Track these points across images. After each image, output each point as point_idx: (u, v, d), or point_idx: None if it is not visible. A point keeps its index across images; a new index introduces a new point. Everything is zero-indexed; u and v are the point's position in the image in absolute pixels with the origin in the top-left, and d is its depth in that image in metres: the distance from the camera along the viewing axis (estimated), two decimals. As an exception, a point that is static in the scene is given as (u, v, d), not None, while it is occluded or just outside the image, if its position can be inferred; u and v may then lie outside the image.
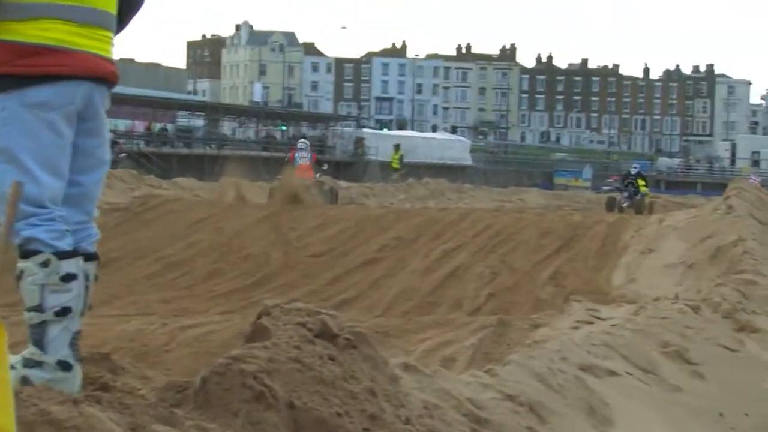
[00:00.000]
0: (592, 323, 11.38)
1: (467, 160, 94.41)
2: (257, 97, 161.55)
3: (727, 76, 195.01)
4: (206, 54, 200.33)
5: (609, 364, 7.83)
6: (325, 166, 40.61)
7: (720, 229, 22.35)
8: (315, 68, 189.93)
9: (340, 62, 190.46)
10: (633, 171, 46.80)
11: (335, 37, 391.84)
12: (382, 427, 4.17)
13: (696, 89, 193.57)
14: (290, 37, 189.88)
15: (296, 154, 35.21)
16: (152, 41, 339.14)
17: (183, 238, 24.21)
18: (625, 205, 42.79)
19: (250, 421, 3.88)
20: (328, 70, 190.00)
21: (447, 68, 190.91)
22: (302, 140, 38.85)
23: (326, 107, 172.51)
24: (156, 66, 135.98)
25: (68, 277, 4.64)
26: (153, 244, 23.70)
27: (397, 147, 57.17)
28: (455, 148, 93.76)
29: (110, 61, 4.96)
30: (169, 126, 73.56)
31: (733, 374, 9.30)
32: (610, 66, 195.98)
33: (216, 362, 4.09)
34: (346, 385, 4.26)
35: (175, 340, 13.32)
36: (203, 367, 4.21)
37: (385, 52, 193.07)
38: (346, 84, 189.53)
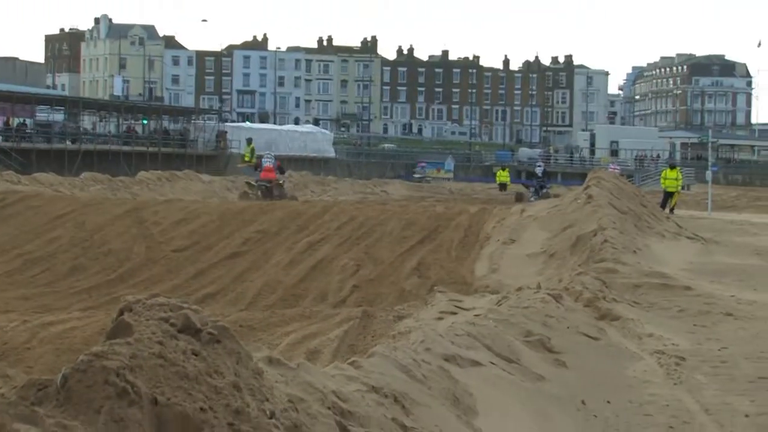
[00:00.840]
0: (455, 314, 11.47)
1: (330, 153, 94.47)
2: (117, 91, 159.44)
3: (586, 67, 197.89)
4: (65, 48, 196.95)
5: (472, 354, 7.89)
6: (287, 173, 45.88)
7: (580, 219, 22.70)
8: (176, 61, 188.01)
9: (201, 55, 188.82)
10: (539, 171, 49.52)
11: (196, 30, 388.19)
12: (246, 421, 4.14)
13: (555, 80, 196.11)
14: (150, 30, 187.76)
15: (263, 160, 40.38)
16: (9, 35, 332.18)
17: (43, 233, 23.83)
18: (532, 199, 44.04)
19: (113, 418, 3.82)
20: (189, 63, 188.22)
21: (309, 61, 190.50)
22: (268, 153, 44.25)
23: (188, 101, 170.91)
24: (13, 60, 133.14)
25: None
26: (12, 240, 23.30)
27: (249, 140, 57.21)
28: (318, 141, 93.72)
29: None
30: (29, 121, 72.18)
31: (595, 362, 9.46)
32: (471, 58, 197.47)
33: (78, 359, 4.02)
34: (209, 380, 4.22)
35: (36, 337, 13.09)
36: (65, 364, 4.13)
37: (246, 45, 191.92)
38: (208, 77, 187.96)
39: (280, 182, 39.72)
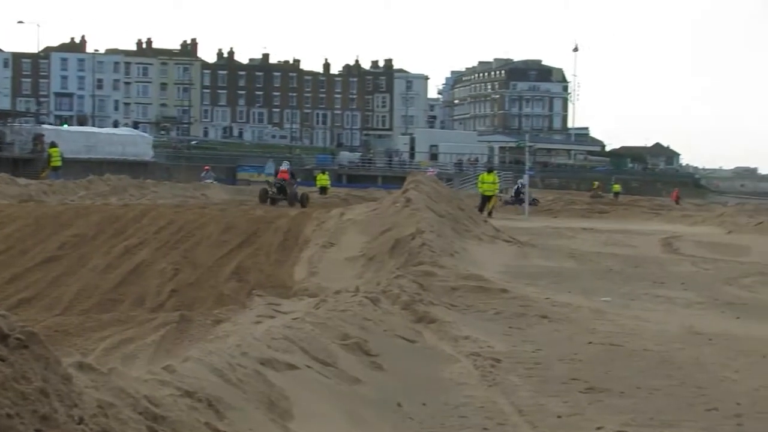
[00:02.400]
0: (273, 317, 11.43)
1: (149, 156, 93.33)
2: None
3: (406, 71, 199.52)
4: None
5: (289, 358, 7.89)
6: (299, 179, 54.91)
7: (399, 222, 22.89)
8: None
9: (17, 57, 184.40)
10: (521, 184, 52.47)
11: (12, 32, 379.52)
12: (53, 427, 4.06)
13: (375, 84, 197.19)
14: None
15: (280, 167, 50.23)
16: None
17: None
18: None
19: None
20: (5, 65, 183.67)
21: (128, 63, 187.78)
22: (286, 161, 53.37)
23: (4, 103, 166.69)
24: None
25: None
26: None
27: (52, 144, 56.43)
28: (137, 144, 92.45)
29: None
30: None
31: (412, 365, 9.54)
32: (291, 61, 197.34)
33: None
34: (16, 385, 4.12)
35: None
36: None
37: (63, 47, 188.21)
38: (24, 79, 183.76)
39: (291, 183, 47.01)
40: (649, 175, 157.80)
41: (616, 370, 9.89)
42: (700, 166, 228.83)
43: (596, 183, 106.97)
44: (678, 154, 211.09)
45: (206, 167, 78.72)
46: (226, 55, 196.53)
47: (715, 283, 20.28)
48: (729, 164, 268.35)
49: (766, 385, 9.44)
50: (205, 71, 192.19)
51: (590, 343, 11.51)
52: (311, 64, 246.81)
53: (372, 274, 19.24)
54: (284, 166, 49.94)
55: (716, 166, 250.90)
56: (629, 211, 63.60)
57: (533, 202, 54.49)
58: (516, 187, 60.36)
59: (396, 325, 10.99)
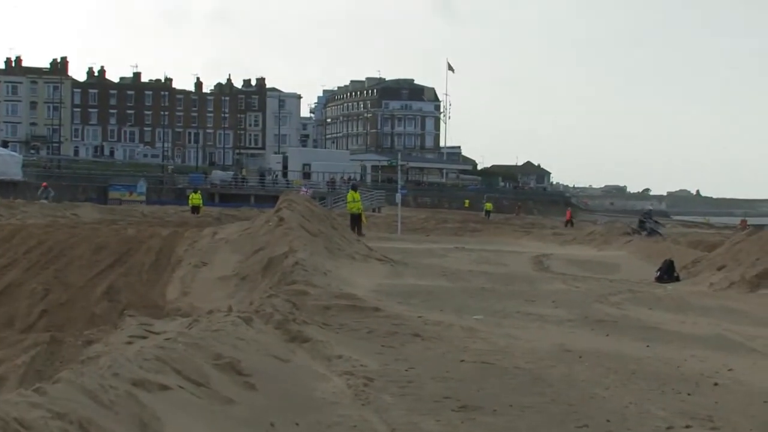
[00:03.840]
0: (145, 338, 11.31)
1: (18, 175, 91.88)
2: None
3: (278, 90, 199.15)
4: None
5: (161, 378, 7.81)
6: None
7: (272, 241, 22.84)
8: None
9: None
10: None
11: None
12: None
13: (248, 103, 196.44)
14: None
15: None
16: None
17: None
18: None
19: None
20: None
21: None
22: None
23: None
24: None
25: None
26: None
27: None
28: (6, 164, 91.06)
29: None
30: None
31: (285, 384, 9.51)
32: (163, 80, 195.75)
33: None
34: None
35: None
36: None
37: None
38: None
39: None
40: (520, 194, 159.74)
41: (488, 388, 9.98)
42: (570, 185, 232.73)
43: (467, 201, 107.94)
44: (548, 173, 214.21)
45: (44, 184, 77.17)
46: (96, 73, 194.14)
47: (585, 301, 20.57)
48: (598, 183, 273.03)
49: (636, 402, 9.60)
50: (76, 90, 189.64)
51: (462, 361, 11.59)
52: (183, 82, 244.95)
53: (245, 294, 19.17)
54: (305, 188, 56.94)
55: (586, 185, 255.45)
56: (501, 229, 64.35)
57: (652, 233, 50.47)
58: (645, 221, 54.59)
59: (269, 345, 10.95)
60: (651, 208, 51.96)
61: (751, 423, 8.91)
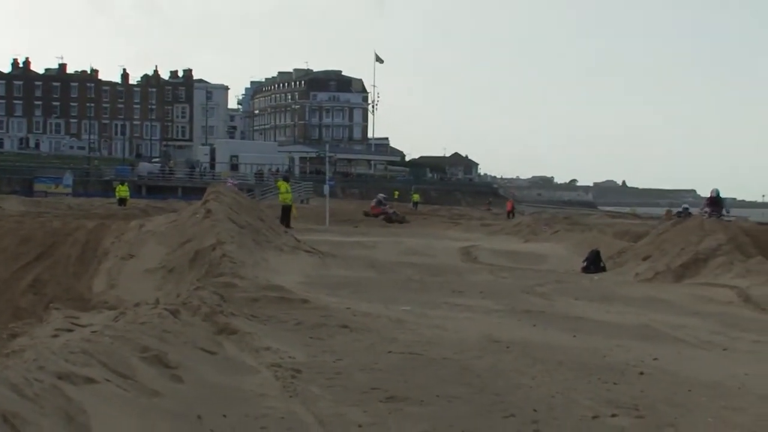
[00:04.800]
0: (71, 330, 11.21)
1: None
2: None
3: (206, 82, 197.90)
4: None
5: (87, 371, 7.74)
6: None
7: (199, 233, 22.72)
8: None
9: None
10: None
11: None
12: None
13: (175, 94, 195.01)
14: None
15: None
16: None
17: None
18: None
19: None
20: None
21: None
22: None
23: None
24: None
25: None
26: None
27: None
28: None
29: None
30: None
31: (212, 376, 9.47)
32: (89, 71, 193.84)
33: None
34: None
35: None
36: None
37: None
38: None
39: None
40: (448, 185, 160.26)
41: (415, 379, 10.01)
42: (498, 176, 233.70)
43: (397, 192, 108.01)
44: (476, 164, 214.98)
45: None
46: (21, 65, 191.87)
47: (512, 292, 20.71)
48: (526, 174, 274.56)
49: (562, 392, 9.68)
50: (0, 81, 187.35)
51: (390, 352, 11.61)
52: (109, 74, 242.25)
53: (172, 286, 19.07)
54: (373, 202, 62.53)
55: (514, 176, 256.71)
56: (429, 220, 64.52)
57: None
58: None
59: (196, 337, 10.90)
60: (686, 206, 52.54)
61: (675, 411, 9.01)
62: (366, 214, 63.43)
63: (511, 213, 79.27)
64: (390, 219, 60.49)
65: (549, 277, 25.18)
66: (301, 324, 13.61)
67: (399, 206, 75.27)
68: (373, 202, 65.01)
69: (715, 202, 38.58)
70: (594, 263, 29.98)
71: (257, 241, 24.65)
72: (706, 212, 37.66)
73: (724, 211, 38.58)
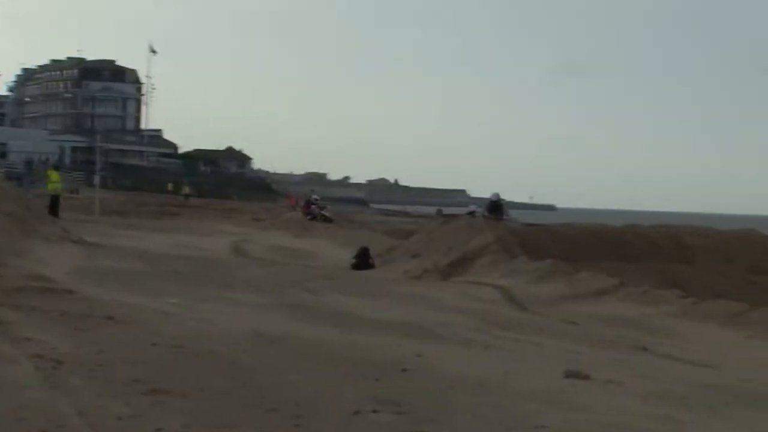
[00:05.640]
0: None
1: None
2: None
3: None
4: None
5: None
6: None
7: None
8: None
9: None
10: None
11: None
12: None
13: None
14: None
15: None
16: None
17: None
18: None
19: None
20: None
21: None
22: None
23: None
24: None
25: None
26: None
27: None
28: None
29: None
30: None
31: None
32: None
33: None
34: None
35: None
36: None
37: None
38: None
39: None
40: (221, 179, 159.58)
41: (179, 372, 9.95)
42: (272, 171, 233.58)
43: (170, 185, 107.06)
44: (250, 159, 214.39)
45: None
46: None
47: (281, 286, 20.81)
48: (300, 170, 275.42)
49: (326, 387, 9.76)
50: None
51: (155, 344, 11.51)
52: None
53: None
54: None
55: (288, 171, 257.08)
56: (200, 213, 64.17)
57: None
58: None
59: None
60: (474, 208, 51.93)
61: (437, 408, 9.19)
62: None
63: (296, 207, 79.14)
64: (315, 219, 59.74)
65: (318, 272, 25.37)
66: (66, 315, 13.36)
67: (171, 198, 74.46)
68: (302, 202, 65.76)
69: (496, 206, 38.33)
70: (363, 260, 30.34)
71: (23, 230, 24.08)
72: (484, 215, 37.82)
73: (504, 216, 38.67)
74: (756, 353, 16.65)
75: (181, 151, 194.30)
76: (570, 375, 11.30)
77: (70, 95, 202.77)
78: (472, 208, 54.68)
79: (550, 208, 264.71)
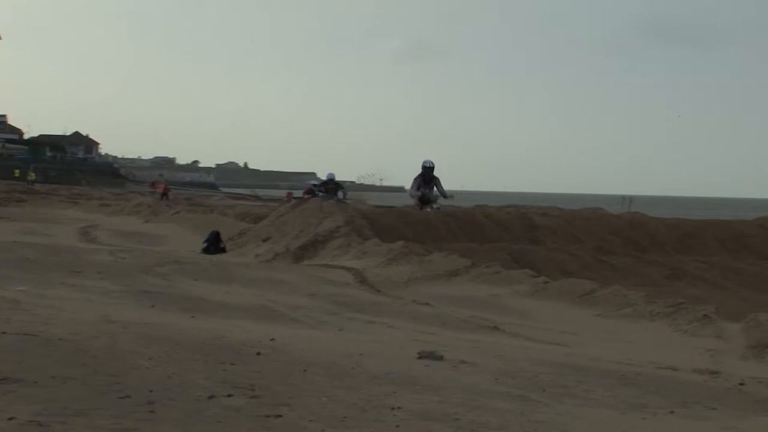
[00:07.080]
0: None
1: None
2: None
3: None
4: None
5: None
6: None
7: None
8: None
9: None
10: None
11: None
12: None
13: None
14: None
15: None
16: None
17: None
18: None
19: None
20: None
21: None
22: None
23: None
24: None
25: None
26: None
27: None
28: None
29: None
30: None
31: None
32: None
33: None
34: None
35: None
36: None
37: None
38: None
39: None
40: (68, 164, 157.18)
41: (29, 360, 9.76)
42: (119, 156, 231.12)
43: (16, 171, 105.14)
44: (97, 144, 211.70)
45: None
46: None
47: (131, 272, 20.57)
48: (148, 154, 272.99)
49: (179, 372, 9.68)
50: None
51: (4, 333, 11.28)
52: None
53: None
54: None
55: (135, 156, 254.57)
56: (48, 199, 63.12)
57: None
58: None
59: None
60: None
61: (291, 391, 9.18)
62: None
63: (164, 195, 78.39)
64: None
65: (168, 257, 25.14)
66: None
67: (18, 185, 73.07)
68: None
69: (331, 184, 41.02)
70: (214, 244, 30.21)
71: None
72: (320, 192, 39.87)
73: (339, 194, 40.19)
74: (604, 331, 17.01)
75: (26, 136, 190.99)
76: (424, 356, 11.39)
77: None
78: (311, 183, 55.55)
79: (400, 189, 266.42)
